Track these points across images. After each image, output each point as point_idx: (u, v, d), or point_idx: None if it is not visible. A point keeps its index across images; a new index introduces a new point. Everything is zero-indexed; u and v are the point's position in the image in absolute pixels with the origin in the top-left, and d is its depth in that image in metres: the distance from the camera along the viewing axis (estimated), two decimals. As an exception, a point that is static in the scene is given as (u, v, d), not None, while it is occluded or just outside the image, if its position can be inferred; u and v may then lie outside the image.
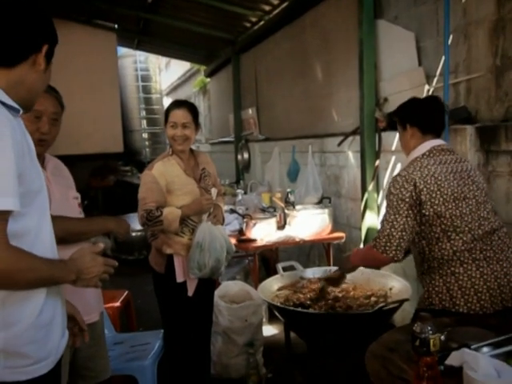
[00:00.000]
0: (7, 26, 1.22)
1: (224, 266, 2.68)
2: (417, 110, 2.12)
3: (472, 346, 1.57)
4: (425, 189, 1.94)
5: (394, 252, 1.96)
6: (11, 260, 1.14)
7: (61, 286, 1.37)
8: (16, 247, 1.16)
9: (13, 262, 1.14)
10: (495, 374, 1.29)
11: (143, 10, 6.19)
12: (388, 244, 1.96)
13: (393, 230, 1.95)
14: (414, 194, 1.94)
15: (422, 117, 2.09)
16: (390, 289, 2.87)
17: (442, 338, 1.65)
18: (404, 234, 1.94)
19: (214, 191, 2.70)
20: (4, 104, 1.19)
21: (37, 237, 1.26)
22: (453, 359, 1.38)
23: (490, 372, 1.29)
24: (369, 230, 3.64)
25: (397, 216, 1.95)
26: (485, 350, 1.60)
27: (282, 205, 3.91)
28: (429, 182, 1.95)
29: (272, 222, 3.67)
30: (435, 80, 3.09)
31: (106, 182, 7.66)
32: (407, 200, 1.94)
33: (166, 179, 2.57)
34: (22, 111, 1.26)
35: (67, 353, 1.86)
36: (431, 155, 2.03)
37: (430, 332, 1.41)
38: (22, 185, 1.17)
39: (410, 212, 1.94)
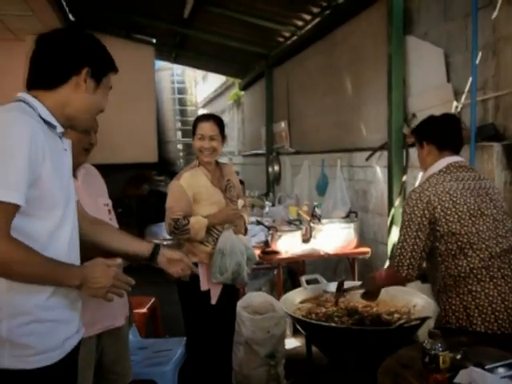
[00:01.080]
0: (45, 54, 1.39)
1: (246, 272, 2.71)
2: (433, 128, 2.15)
3: (486, 366, 1.56)
4: (439, 206, 1.94)
5: (406, 271, 2.00)
6: (8, 250, 1.21)
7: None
8: (16, 240, 1.24)
9: (9, 253, 1.21)
10: (503, 394, 1.29)
11: (180, 24, 6.37)
12: (400, 263, 2.00)
13: (403, 250, 1.99)
14: (426, 211, 1.95)
15: (438, 134, 2.12)
16: (414, 306, 2.84)
17: (458, 356, 1.64)
18: (414, 253, 1.97)
19: (240, 202, 2.79)
20: (43, 119, 1.34)
21: (50, 242, 1.34)
22: (461, 377, 1.37)
23: (499, 392, 1.28)
24: (395, 245, 3.61)
25: (406, 237, 1.98)
26: (500, 370, 1.59)
27: (308, 218, 3.93)
28: (443, 199, 1.95)
29: (297, 235, 3.69)
30: (463, 96, 3.07)
31: (140, 191, 7.82)
32: (418, 219, 1.96)
33: (193, 189, 2.65)
34: (58, 127, 1.38)
35: (93, 355, 1.96)
36: (448, 172, 2.03)
37: (440, 349, 1.41)
38: (38, 188, 1.28)
39: (420, 233, 1.96)
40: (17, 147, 1.23)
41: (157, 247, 1.78)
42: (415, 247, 1.96)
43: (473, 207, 1.95)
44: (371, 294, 2.54)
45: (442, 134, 2.11)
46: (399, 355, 1.79)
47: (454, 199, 1.95)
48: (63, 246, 1.38)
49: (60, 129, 1.40)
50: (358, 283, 2.69)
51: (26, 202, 1.27)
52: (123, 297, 1.46)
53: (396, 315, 2.79)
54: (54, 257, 1.32)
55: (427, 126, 2.17)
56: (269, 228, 3.77)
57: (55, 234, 1.35)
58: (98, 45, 1.47)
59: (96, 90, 1.44)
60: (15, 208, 1.24)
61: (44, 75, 1.38)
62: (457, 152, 2.12)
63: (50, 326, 1.35)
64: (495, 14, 2.80)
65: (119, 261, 1.43)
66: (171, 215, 2.60)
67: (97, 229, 1.71)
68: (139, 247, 1.77)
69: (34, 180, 1.26)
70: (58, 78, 1.38)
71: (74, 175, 1.99)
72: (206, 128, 2.69)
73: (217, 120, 2.76)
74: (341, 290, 2.70)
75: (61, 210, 1.36)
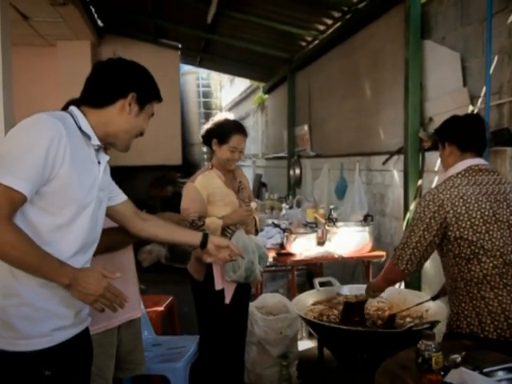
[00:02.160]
0: (98, 77, 1.57)
1: (259, 270, 2.75)
2: (455, 128, 2.10)
3: (485, 370, 1.57)
4: (451, 211, 1.92)
5: (404, 265, 2.04)
6: (1, 231, 1.29)
7: None
8: (14, 225, 1.33)
9: (2, 234, 1.29)
10: (493, 396, 1.30)
11: (204, 29, 6.49)
12: (400, 257, 2.04)
13: (405, 246, 2.02)
14: (437, 214, 1.94)
15: (460, 134, 2.06)
16: (427, 310, 2.83)
17: (459, 359, 1.65)
18: (416, 250, 2.00)
19: (253, 204, 2.85)
20: (81, 130, 1.49)
21: (52, 239, 1.42)
22: (452, 377, 1.39)
23: (488, 393, 1.30)
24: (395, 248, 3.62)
25: (412, 234, 2.00)
26: (500, 373, 1.59)
27: (323, 221, 3.96)
28: (456, 204, 1.92)
29: (312, 238, 3.72)
30: (479, 101, 3.06)
31: (164, 193, 7.98)
32: (427, 220, 1.95)
33: (207, 191, 2.71)
34: (93, 139, 1.52)
35: (114, 345, 2.07)
36: (466, 175, 1.99)
37: (434, 350, 1.43)
38: (52, 185, 1.38)
39: (426, 233, 1.96)
40: (36, 144, 1.34)
41: (206, 236, 1.93)
42: (418, 245, 1.98)
43: (487, 213, 1.91)
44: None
45: (465, 134, 2.06)
46: (399, 357, 1.81)
47: (468, 205, 1.92)
48: (67, 246, 1.45)
49: (95, 141, 1.53)
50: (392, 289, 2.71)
51: (39, 196, 1.37)
52: (116, 311, 1.49)
53: (408, 319, 2.79)
54: (53, 254, 1.38)
55: (450, 126, 2.12)
56: (284, 230, 3.81)
57: (59, 232, 1.43)
58: (145, 75, 1.63)
59: (139, 114, 1.59)
60: (21, 197, 1.33)
61: (94, 95, 1.55)
62: (479, 154, 2.06)
63: (42, 314, 1.41)
64: (511, 18, 2.78)
65: (118, 275, 1.47)
66: (186, 216, 2.66)
67: (150, 224, 1.85)
68: (190, 237, 1.96)
69: (49, 177, 1.37)
70: (106, 99, 1.54)
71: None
72: (241, 142, 2.73)
73: (246, 132, 2.81)
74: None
75: (71, 211, 1.44)
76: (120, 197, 1.79)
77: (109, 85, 1.55)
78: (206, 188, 2.72)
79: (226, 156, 2.73)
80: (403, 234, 2.07)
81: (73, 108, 1.54)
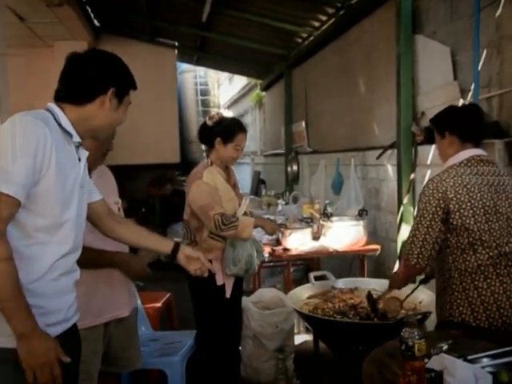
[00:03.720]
0: (76, 73, 1.53)
1: (256, 264, 2.81)
2: (456, 118, 2.10)
3: (469, 357, 1.60)
4: (455, 198, 1.92)
5: (415, 259, 1.99)
6: None
7: (70, 279, 1.55)
8: (5, 240, 1.34)
9: None
10: (473, 381, 1.33)
11: (199, 28, 6.51)
12: (410, 251, 1.99)
13: (414, 238, 1.98)
14: (441, 201, 1.93)
15: (461, 124, 2.06)
16: (420, 302, 2.87)
17: (445, 347, 1.69)
18: (425, 243, 1.96)
19: (245, 201, 2.88)
20: (62, 128, 1.49)
21: (42, 239, 1.44)
22: (433, 363, 1.43)
23: (468, 378, 1.33)
24: (404, 242, 3.65)
25: (419, 225, 1.97)
26: (484, 360, 1.63)
27: (318, 216, 4.00)
28: (460, 192, 1.92)
29: (307, 232, 3.76)
30: (470, 94, 3.09)
31: (163, 191, 8.01)
32: (433, 209, 1.94)
33: (215, 185, 2.71)
34: (74, 137, 1.52)
35: (100, 342, 2.09)
36: (469, 164, 1.99)
37: (417, 337, 1.46)
38: (39, 187, 1.40)
39: (433, 223, 1.94)
40: (23, 147, 1.35)
41: (177, 245, 1.89)
42: (427, 237, 1.95)
43: (488, 204, 1.93)
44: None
45: (466, 124, 2.06)
46: (387, 346, 1.84)
47: (471, 194, 1.92)
48: (58, 246, 1.47)
49: (76, 138, 1.52)
50: (385, 282, 2.67)
51: (28, 197, 1.38)
52: None
53: (402, 311, 2.83)
54: (41, 253, 1.42)
55: (450, 116, 2.11)
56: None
57: (49, 233, 1.45)
58: (122, 66, 1.61)
59: (118, 107, 1.58)
60: (16, 202, 1.35)
61: (73, 92, 1.52)
62: (477, 145, 2.07)
63: (35, 310, 1.41)
64: (498, 12, 2.81)
65: (68, 360, 1.45)
66: (214, 211, 2.59)
67: (123, 227, 1.85)
68: (161, 244, 1.91)
69: (38, 178, 1.39)
70: (86, 97, 1.52)
71: (89, 176, 2.14)
72: (244, 139, 2.77)
73: (246, 130, 2.86)
74: (371, 302, 2.67)
75: (58, 211, 1.46)
76: (96, 195, 1.79)
77: (88, 82, 1.52)
78: (214, 183, 2.71)
79: (230, 154, 2.75)
80: (411, 228, 2.03)
81: (52, 105, 1.52)
